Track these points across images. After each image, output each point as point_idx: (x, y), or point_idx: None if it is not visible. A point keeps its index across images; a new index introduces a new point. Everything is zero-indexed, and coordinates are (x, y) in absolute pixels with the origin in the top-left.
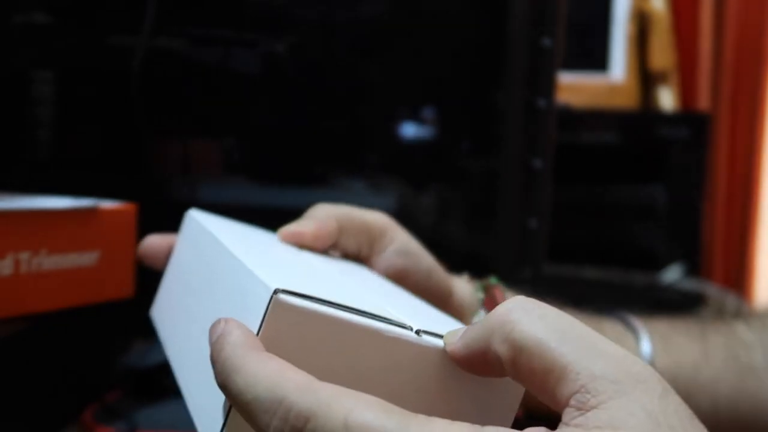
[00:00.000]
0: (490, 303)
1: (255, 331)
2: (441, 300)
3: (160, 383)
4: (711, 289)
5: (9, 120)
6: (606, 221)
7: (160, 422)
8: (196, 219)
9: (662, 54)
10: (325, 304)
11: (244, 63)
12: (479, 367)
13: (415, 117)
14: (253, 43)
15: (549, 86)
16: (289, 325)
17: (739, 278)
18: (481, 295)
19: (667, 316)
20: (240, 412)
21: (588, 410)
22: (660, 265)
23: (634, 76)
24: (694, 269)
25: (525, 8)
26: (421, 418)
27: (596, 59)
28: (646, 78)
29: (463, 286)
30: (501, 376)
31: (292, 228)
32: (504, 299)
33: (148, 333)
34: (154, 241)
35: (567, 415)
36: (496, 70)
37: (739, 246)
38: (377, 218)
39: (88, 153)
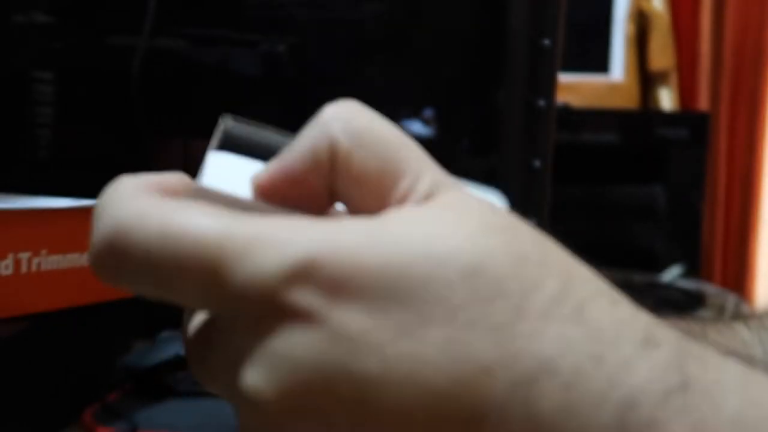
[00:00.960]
0: None
1: None
2: None
3: (160, 383)
4: (711, 289)
5: (9, 120)
6: (606, 221)
7: (160, 422)
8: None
9: (662, 54)
10: None
11: (244, 63)
12: (299, 182)
13: (415, 117)
14: (253, 43)
15: (549, 86)
16: None
17: (738, 278)
18: None
19: (667, 316)
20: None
21: (423, 199)
22: (660, 265)
23: (634, 76)
24: (694, 269)
25: (525, 8)
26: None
27: (596, 59)
28: (646, 78)
29: None
30: (319, 206)
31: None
32: None
33: (148, 333)
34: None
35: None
36: (496, 70)
37: (738, 246)
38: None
39: (88, 153)
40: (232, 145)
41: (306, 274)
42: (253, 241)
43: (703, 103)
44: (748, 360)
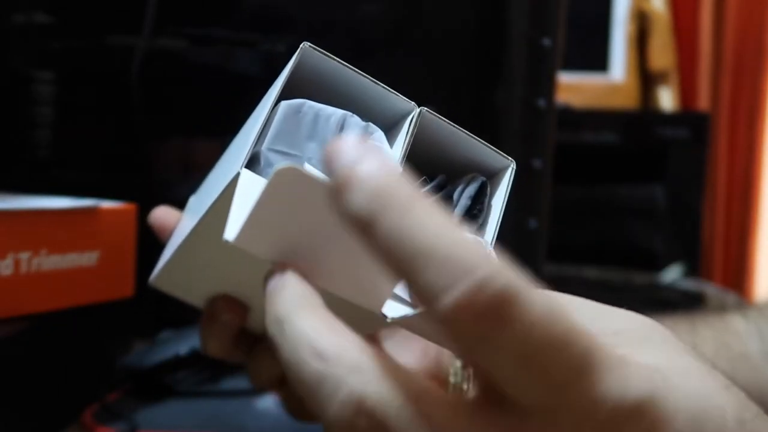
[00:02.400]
0: None
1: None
2: None
3: (160, 383)
4: (711, 289)
5: (9, 120)
6: (606, 221)
7: (160, 422)
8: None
9: (662, 54)
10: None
11: (244, 63)
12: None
13: None
14: (253, 43)
15: (549, 86)
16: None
17: (738, 278)
18: None
19: (667, 316)
20: (394, 262)
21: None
22: (660, 265)
23: (634, 76)
24: (694, 269)
25: (525, 8)
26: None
27: (596, 59)
28: (646, 78)
29: None
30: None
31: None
32: None
33: (148, 333)
34: (165, 211)
35: None
36: (496, 70)
37: (738, 246)
38: None
39: (87, 153)
40: (302, 72)
41: (642, 412)
42: (620, 361)
43: (703, 103)
44: (742, 349)
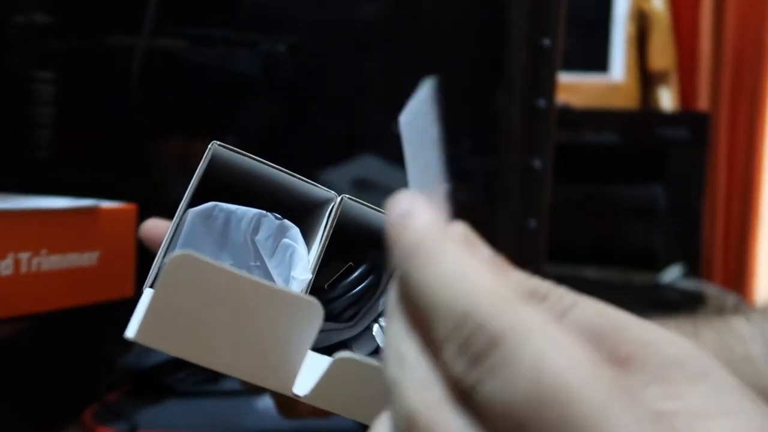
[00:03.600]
0: None
1: None
2: None
3: (160, 383)
4: (711, 289)
5: (9, 120)
6: (606, 221)
7: (160, 422)
8: None
9: (662, 54)
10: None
11: (244, 63)
12: None
13: None
14: (253, 43)
15: (549, 86)
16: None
17: (739, 278)
18: None
19: (666, 317)
20: (414, 311)
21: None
22: (660, 265)
23: (634, 76)
24: (694, 269)
25: (525, 8)
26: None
27: (596, 59)
28: (646, 78)
29: None
30: None
31: None
32: None
33: None
34: (155, 225)
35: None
36: (496, 70)
37: (738, 246)
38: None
39: (87, 153)
40: (218, 167)
41: None
42: None
43: (703, 103)
44: (745, 352)
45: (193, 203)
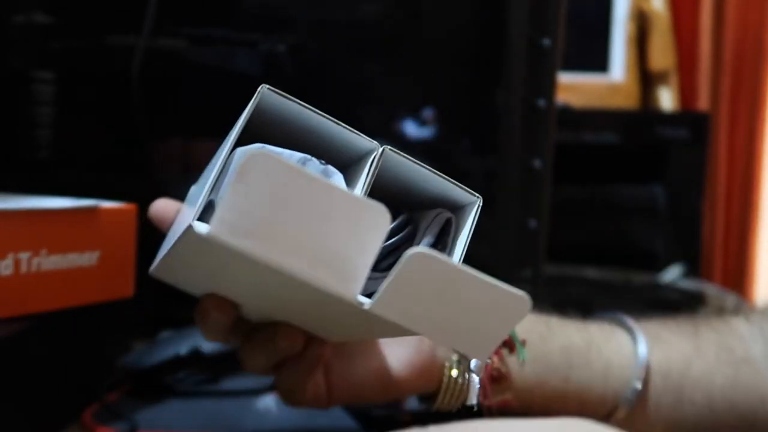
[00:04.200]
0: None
1: None
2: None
3: (160, 383)
4: (711, 289)
5: (9, 120)
6: (606, 221)
7: (160, 422)
8: None
9: (662, 54)
10: None
11: (244, 63)
12: None
13: (415, 117)
14: (253, 43)
15: (549, 86)
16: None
17: (739, 278)
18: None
19: (666, 317)
20: None
21: None
22: (660, 265)
23: (634, 76)
24: (694, 269)
25: (525, 8)
26: None
27: (596, 59)
28: (646, 78)
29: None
30: None
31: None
32: None
33: (148, 333)
34: (165, 204)
35: None
36: (496, 70)
37: (738, 246)
38: None
39: (87, 153)
40: (265, 110)
41: None
42: None
43: (703, 103)
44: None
45: (238, 145)
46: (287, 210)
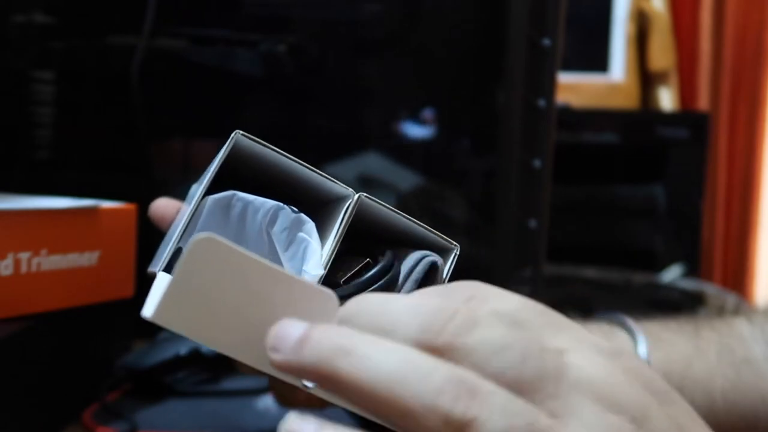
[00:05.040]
0: None
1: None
2: None
3: (160, 383)
4: (711, 289)
5: (9, 120)
6: (606, 221)
7: (160, 422)
8: None
9: (662, 54)
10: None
11: (244, 63)
12: None
13: (415, 117)
14: (253, 43)
15: (549, 86)
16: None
17: (738, 278)
18: None
19: (666, 317)
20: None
21: None
22: (660, 265)
23: (634, 76)
24: (694, 269)
25: (525, 8)
26: None
27: (596, 59)
28: (646, 78)
29: None
30: None
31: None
32: None
33: (148, 333)
34: (165, 203)
35: None
36: (496, 70)
37: (738, 246)
38: None
39: (87, 153)
40: (238, 155)
41: None
42: None
43: (703, 103)
44: (745, 353)
45: (210, 191)
46: (234, 293)
